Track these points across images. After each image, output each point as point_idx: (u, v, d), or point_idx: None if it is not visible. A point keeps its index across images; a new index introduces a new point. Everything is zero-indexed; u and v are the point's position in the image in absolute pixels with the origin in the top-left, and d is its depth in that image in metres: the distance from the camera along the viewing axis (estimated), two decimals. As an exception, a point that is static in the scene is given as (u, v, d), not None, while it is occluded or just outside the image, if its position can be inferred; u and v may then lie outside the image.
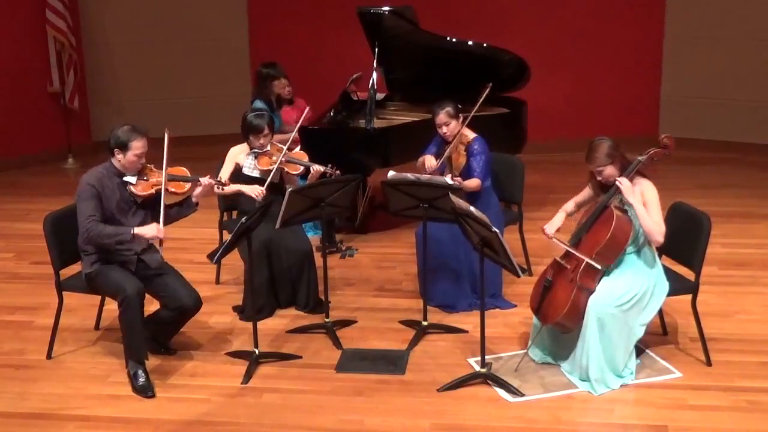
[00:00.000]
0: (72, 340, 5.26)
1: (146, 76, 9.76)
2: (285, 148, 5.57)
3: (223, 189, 5.28)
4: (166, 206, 4.77)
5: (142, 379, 4.64)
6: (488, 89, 5.85)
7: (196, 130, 9.60)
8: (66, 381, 4.81)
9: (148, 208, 4.84)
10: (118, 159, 4.73)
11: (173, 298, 4.79)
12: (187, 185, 4.89)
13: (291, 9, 9.58)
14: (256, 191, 5.40)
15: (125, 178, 4.76)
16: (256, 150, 5.53)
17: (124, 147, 4.69)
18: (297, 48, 9.43)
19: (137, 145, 4.69)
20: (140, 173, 4.79)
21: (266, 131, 5.49)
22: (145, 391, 4.61)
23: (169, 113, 9.58)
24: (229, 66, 9.76)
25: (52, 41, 9.09)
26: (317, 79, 8.77)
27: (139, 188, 4.77)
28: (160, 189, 4.75)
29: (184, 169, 4.95)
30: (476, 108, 5.75)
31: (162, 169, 4.80)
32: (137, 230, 4.68)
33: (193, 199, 4.95)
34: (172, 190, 4.82)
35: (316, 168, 5.47)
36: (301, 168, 5.54)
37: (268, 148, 5.54)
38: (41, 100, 9.29)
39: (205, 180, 4.92)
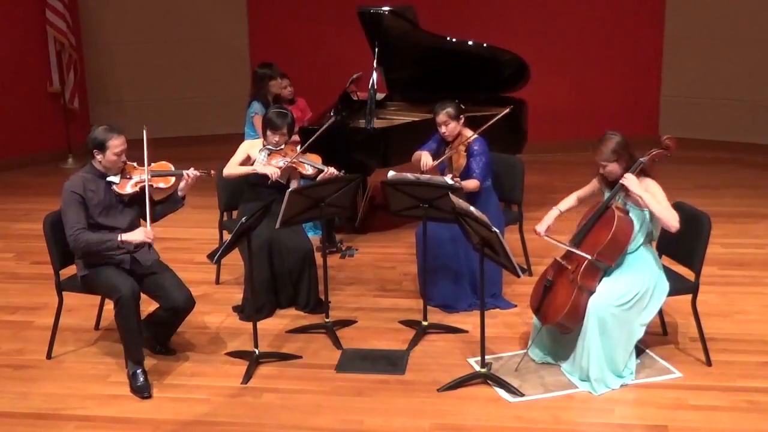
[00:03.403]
0: (72, 340, 5.26)
1: (146, 76, 9.76)
2: (299, 149, 5.59)
3: (211, 177, 5.25)
4: (151, 205, 4.75)
5: (140, 380, 4.64)
6: (507, 110, 5.82)
7: (196, 130, 9.61)
8: (66, 381, 4.81)
9: (136, 205, 4.81)
10: (99, 160, 4.70)
11: (166, 298, 4.78)
12: (172, 179, 4.86)
13: (291, 9, 9.59)
14: (270, 170, 5.44)
15: (109, 179, 4.73)
16: (270, 147, 5.54)
17: (102, 147, 4.66)
18: (297, 48, 9.44)
19: (115, 144, 4.66)
20: (123, 172, 4.76)
21: (284, 130, 5.52)
22: (142, 391, 4.60)
23: (169, 113, 9.60)
24: (229, 66, 9.76)
25: (52, 41, 9.10)
26: (317, 79, 8.77)
27: (123, 187, 4.74)
28: (144, 185, 4.73)
29: (167, 163, 4.91)
30: (489, 123, 5.67)
31: (144, 165, 4.77)
32: (124, 237, 4.66)
33: (180, 193, 4.92)
34: (158, 185, 4.81)
35: (331, 171, 5.47)
36: (311, 170, 5.53)
37: (283, 147, 5.55)
38: (41, 100, 9.30)
39: (191, 171, 4.88)
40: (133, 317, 4.65)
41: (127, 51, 9.70)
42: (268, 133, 5.55)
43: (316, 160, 5.62)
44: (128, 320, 4.63)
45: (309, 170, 5.55)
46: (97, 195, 4.70)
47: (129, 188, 4.75)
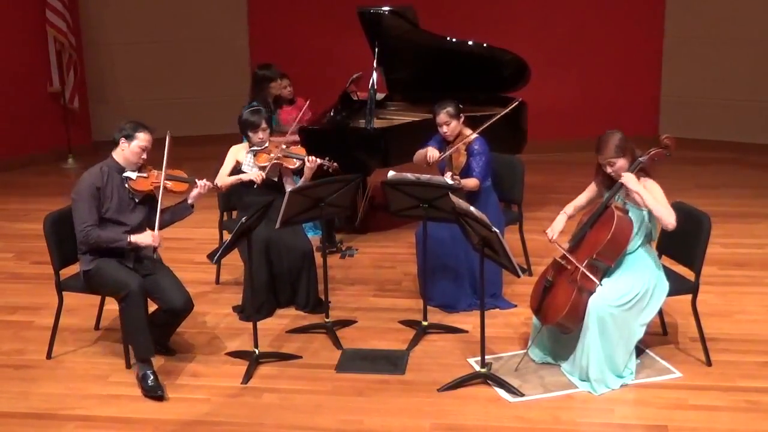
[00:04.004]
0: (72, 340, 5.26)
1: (146, 76, 9.77)
2: (283, 144, 5.58)
3: (220, 189, 5.30)
4: (161, 210, 4.79)
5: (150, 380, 4.61)
6: (515, 104, 5.86)
7: (196, 130, 9.61)
8: (66, 381, 4.81)
9: (147, 206, 4.85)
10: (122, 149, 4.76)
11: (164, 299, 4.78)
12: (186, 185, 4.92)
13: (291, 9, 9.59)
14: (255, 175, 5.43)
15: (125, 174, 4.78)
16: (255, 147, 5.54)
17: (130, 137, 4.74)
18: (297, 48, 9.44)
19: (144, 137, 4.75)
20: (140, 170, 4.82)
21: (263, 125, 5.50)
22: (155, 391, 4.58)
23: (169, 113, 9.59)
24: (229, 66, 9.77)
25: (52, 41, 9.10)
26: (317, 79, 8.77)
27: (138, 184, 4.79)
28: (159, 186, 4.78)
29: (182, 171, 4.98)
30: (493, 120, 5.69)
31: (161, 168, 4.82)
32: (133, 238, 4.71)
33: (189, 201, 4.97)
34: (170, 187, 4.85)
35: (312, 159, 5.46)
36: (298, 163, 5.53)
37: (267, 144, 5.54)
38: (41, 100, 9.30)
39: (202, 182, 4.95)
40: (141, 314, 4.65)
41: (127, 51, 9.70)
42: (250, 134, 5.53)
43: (300, 152, 5.61)
44: (136, 317, 4.63)
45: (297, 163, 5.54)
46: (112, 187, 4.74)
47: (143, 186, 4.80)
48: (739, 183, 8.20)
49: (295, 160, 5.54)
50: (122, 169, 4.79)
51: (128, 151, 4.76)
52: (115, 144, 4.80)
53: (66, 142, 9.37)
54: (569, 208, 4.84)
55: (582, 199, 4.82)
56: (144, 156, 4.80)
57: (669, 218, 4.46)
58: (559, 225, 4.77)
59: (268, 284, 5.50)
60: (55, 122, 9.34)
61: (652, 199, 4.47)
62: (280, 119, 7.07)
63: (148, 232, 4.76)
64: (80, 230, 4.68)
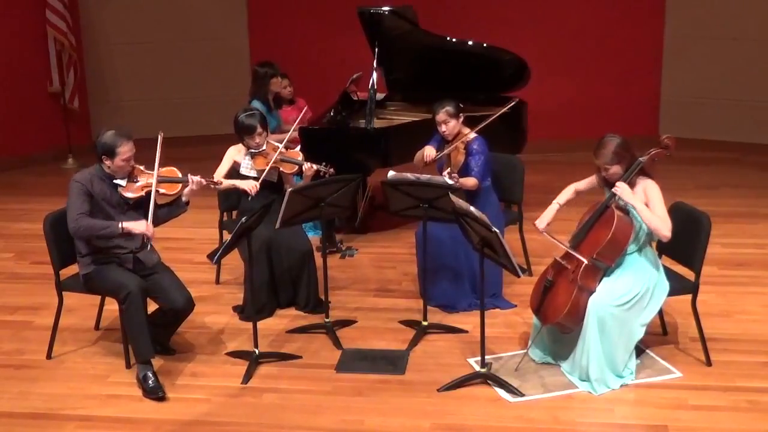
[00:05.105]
0: (72, 340, 5.26)
1: (146, 76, 9.77)
2: (281, 146, 5.55)
3: (216, 187, 5.26)
4: (155, 207, 4.74)
5: (151, 381, 4.61)
6: (512, 103, 5.88)
7: (196, 130, 9.62)
8: (66, 381, 4.81)
9: (140, 209, 4.81)
10: (107, 165, 4.70)
11: (165, 299, 4.77)
12: (178, 186, 4.86)
13: (291, 9, 9.59)
14: (249, 185, 5.40)
15: (115, 181, 4.74)
16: (252, 150, 5.51)
17: (111, 153, 4.65)
18: (297, 48, 9.44)
19: (124, 150, 4.66)
20: (130, 175, 4.77)
21: (259, 129, 5.44)
22: (156, 392, 4.57)
23: (168, 113, 9.61)
24: (229, 66, 9.77)
25: (52, 41, 9.11)
26: (317, 79, 8.78)
27: (129, 191, 4.74)
28: (150, 190, 4.73)
29: (175, 169, 4.92)
30: (491, 118, 5.72)
31: (152, 170, 4.76)
32: (126, 224, 4.64)
33: (184, 198, 4.93)
34: (163, 191, 4.80)
35: (309, 165, 5.45)
36: (296, 167, 5.52)
37: (264, 147, 5.51)
38: (41, 100, 9.30)
39: (195, 179, 4.89)
40: (141, 314, 4.64)
41: (127, 51, 9.70)
42: (246, 139, 5.46)
43: (296, 156, 5.59)
44: (136, 318, 4.62)
45: (294, 168, 5.52)
46: (104, 193, 4.71)
47: (134, 192, 4.75)
48: (739, 183, 8.20)
49: (292, 164, 5.52)
50: (111, 177, 4.73)
51: (114, 166, 4.69)
52: (99, 159, 4.71)
53: (66, 141, 9.37)
54: (562, 197, 4.82)
55: (582, 184, 4.82)
56: (131, 163, 4.73)
57: (663, 230, 4.46)
58: (548, 215, 4.75)
59: (269, 284, 5.50)
60: (55, 122, 9.34)
61: (646, 211, 4.47)
62: (281, 119, 7.07)
63: (142, 220, 4.70)
64: (71, 219, 4.61)
